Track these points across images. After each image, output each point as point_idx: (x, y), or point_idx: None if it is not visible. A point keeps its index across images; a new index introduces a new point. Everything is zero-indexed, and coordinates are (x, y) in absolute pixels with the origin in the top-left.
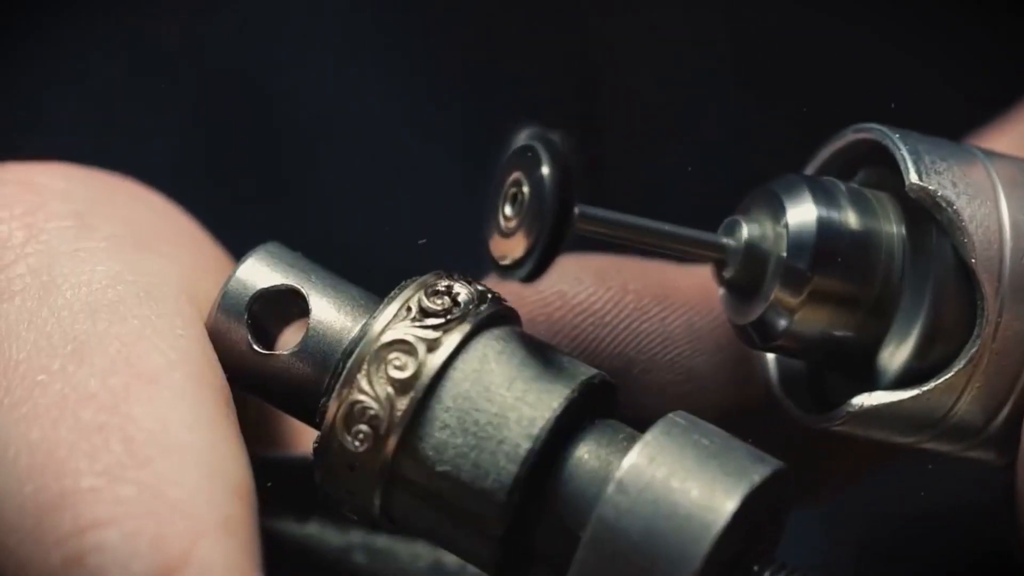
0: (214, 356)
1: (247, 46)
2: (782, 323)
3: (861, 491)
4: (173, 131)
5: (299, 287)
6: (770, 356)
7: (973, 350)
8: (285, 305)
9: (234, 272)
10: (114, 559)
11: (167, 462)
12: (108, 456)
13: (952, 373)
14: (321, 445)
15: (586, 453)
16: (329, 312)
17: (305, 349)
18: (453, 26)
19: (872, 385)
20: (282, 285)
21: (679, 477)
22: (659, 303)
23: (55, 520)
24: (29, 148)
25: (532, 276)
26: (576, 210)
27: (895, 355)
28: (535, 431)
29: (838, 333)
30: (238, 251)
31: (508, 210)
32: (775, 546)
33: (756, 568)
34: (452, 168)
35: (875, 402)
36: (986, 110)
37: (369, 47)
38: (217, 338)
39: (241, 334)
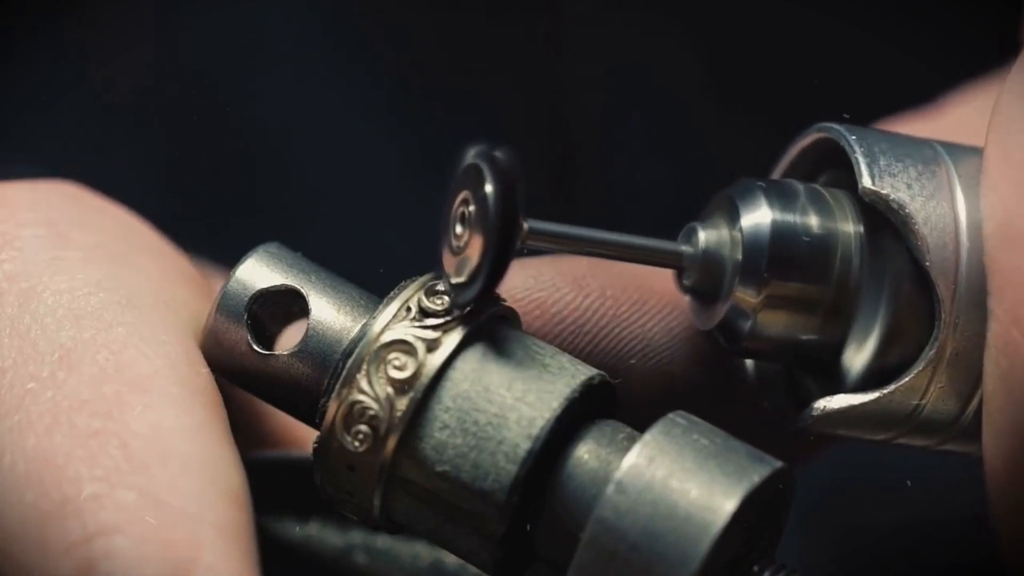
0: (202, 361)
1: (218, 64)
2: (744, 327)
3: (841, 501)
4: (141, 142)
5: (299, 287)
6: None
7: (931, 352)
8: (285, 305)
9: (234, 272)
10: (125, 565)
11: (164, 469)
12: (107, 462)
13: (912, 375)
14: (321, 445)
15: (586, 453)
16: (329, 312)
17: (305, 349)
18: (423, 40)
19: (839, 386)
20: (282, 285)
21: (678, 477)
22: (638, 309)
23: (60, 528)
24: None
25: (482, 293)
26: (525, 226)
27: (857, 356)
28: (535, 431)
29: (801, 335)
30: (216, 256)
31: (458, 229)
32: (775, 547)
33: (756, 568)
34: (422, 180)
35: (837, 405)
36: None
37: (337, 62)
38: (217, 338)
39: (241, 334)
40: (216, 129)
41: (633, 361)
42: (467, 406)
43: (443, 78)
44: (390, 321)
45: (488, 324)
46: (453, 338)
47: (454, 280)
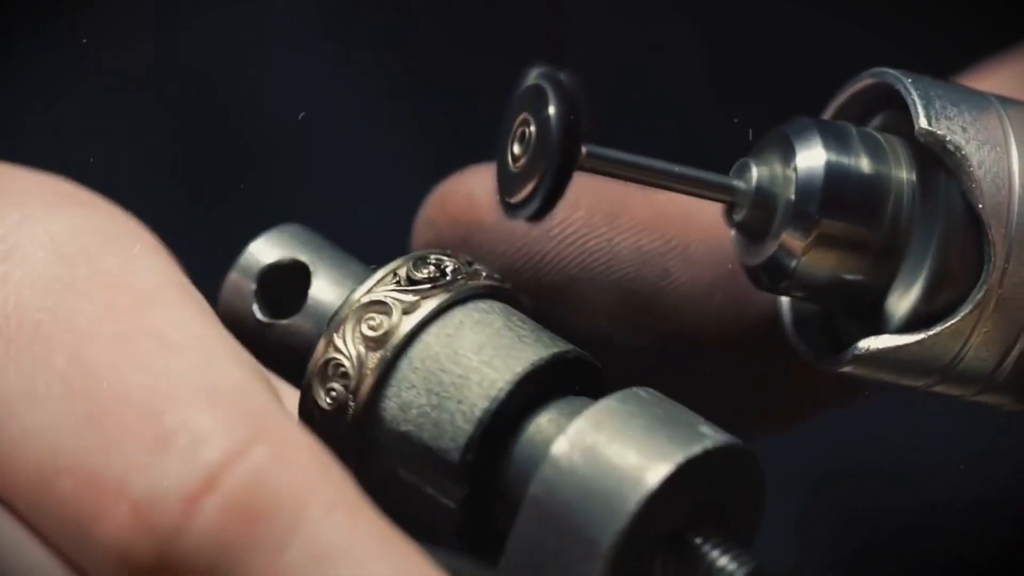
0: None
1: (218, 64)
2: (790, 265)
3: (833, 494)
4: (143, 141)
5: (306, 261)
6: (784, 299)
7: (979, 295)
8: (299, 281)
9: (248, 246)
10: (278, 471)
11: (231, 370)
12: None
13: (958, 318)
14: (302, 405)
15: (546, 421)
16: (329, 284)
17: (303, 317)
18: (424, 39)
19: (881, 329)
20: (291, 259)
21: (621, 442)
22: (608, 222)
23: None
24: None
25: (538, 215)
26: (583, 149)
27: (902, 299)
28: (493, 392)
29: (847, 276)
30: (218, 256)
31: (516, 149)
32: (752, 534)
33: (698, 540)
34: (422, 178)
35: (881, 346)
36: None
37: (338, 61)
38: (227, 309)
39: (248, 304)
40: (217, 129)
41: (597, 274)
42: (434, 367)
43: (444, 76)
44: (374, 286)
45: (474, 296)
46: (431, 303)
47: (509, 201)
